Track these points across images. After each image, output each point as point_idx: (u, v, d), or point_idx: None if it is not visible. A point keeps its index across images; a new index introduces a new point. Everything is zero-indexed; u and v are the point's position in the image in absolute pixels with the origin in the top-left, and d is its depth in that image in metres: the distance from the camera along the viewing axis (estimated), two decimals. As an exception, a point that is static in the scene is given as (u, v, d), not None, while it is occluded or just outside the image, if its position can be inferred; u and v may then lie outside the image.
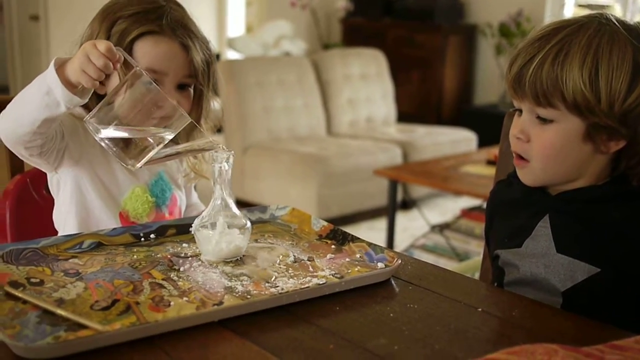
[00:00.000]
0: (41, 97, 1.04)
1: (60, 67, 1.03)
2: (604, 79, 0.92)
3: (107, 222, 1.24)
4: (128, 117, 1.01)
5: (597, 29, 0.95)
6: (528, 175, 1.03)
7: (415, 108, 5.42)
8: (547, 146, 0.98)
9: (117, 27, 1.19)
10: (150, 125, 1.05)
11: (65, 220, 1.25)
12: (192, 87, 1.25)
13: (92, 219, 1.24)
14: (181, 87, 1.23)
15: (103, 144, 1.01)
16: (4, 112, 1.11)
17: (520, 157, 1.03)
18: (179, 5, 1.26)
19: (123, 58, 1.02)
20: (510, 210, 1.10)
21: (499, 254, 1.09)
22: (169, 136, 1.03)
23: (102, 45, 1.00)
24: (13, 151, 1.17)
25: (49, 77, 1.03)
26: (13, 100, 1.10)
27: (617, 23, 0.96)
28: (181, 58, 1.21)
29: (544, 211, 1.03)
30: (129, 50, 1.17)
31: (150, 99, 1.01)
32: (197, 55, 1.23)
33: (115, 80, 1.10)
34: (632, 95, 0.93)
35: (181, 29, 1.22)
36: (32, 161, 1.19)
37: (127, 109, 1.01)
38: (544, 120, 0.98)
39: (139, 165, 1.03)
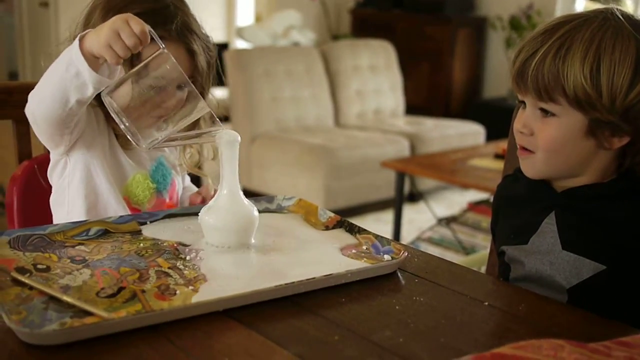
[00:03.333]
0: (70, 79, 1.04)
1: (81, 40, 1.02)
2: (605, 74, 0.91)
3: (115, 206, 1.24)
4: (144, 97, 1.02)
5: (601, 23, 0.94)
6: (530, 167, 1.02)
7: (423, 100, 5.41)
8: (550, 140, 0.98)
9: None
10: (163, 107, 1.06)
11: (72, 203, 1.24)
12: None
13: (100, 203, 1.24)
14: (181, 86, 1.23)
15: (116, 119, 1.01)
16: (33, 94, 1.10)
17: (524, 148, 1.02)
18: (181, 1, 1.25)
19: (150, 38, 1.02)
20: (516, 206, 1.09)
21: (504, 250, 1.09)
22: (185, 123, 1.05)
23: (137, 26, 1.00)
24: (48, 132, 1.15)
25: (75, 58, 1.03)
26: (42, 81, 1.09)
27: (622, 18, 0.94)
28: (186, 62, 1.21)
29: (550, 208, 1.02)
30: None
31: (171, 80, 1.03)
32: (202, 59, 1.23)
33: None
34: (634, 91, 0.91)
35: (188, 33, 1.21)
36: (59, 140, 1.17)
37: (145, 88, 1.02)
38: (546, 114, 0.97)
39: (146, 146, 1.04)
